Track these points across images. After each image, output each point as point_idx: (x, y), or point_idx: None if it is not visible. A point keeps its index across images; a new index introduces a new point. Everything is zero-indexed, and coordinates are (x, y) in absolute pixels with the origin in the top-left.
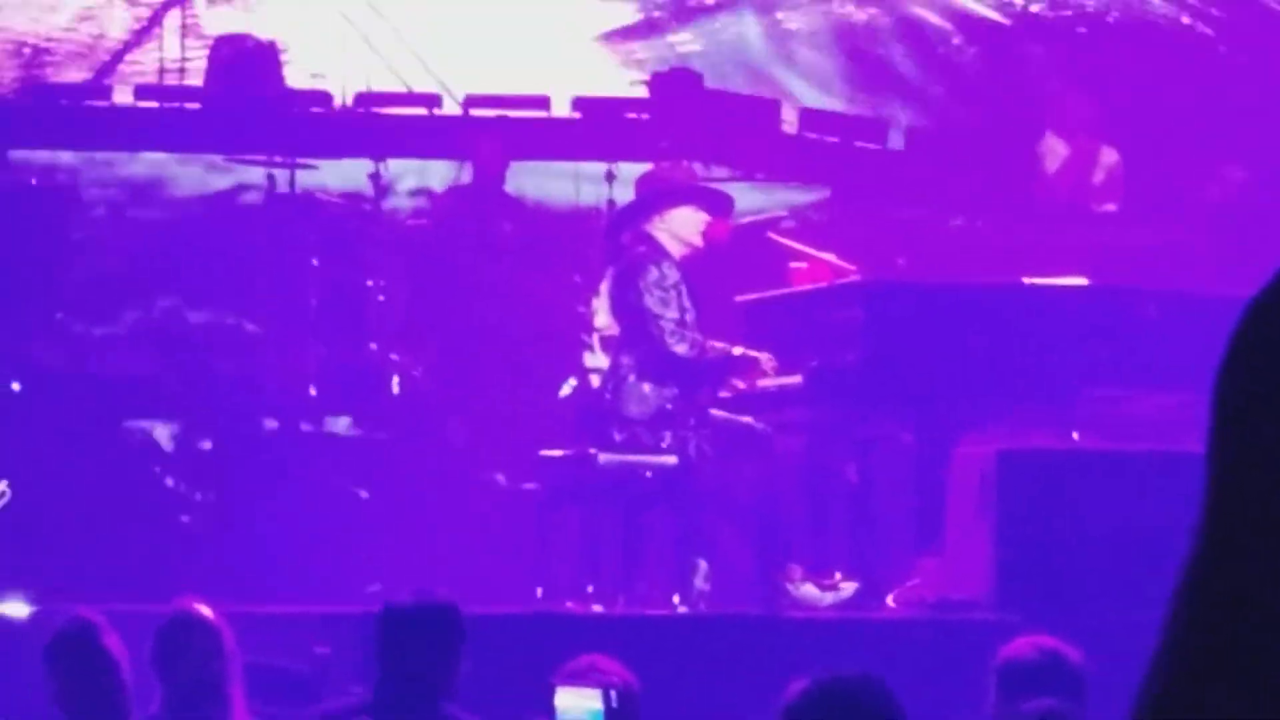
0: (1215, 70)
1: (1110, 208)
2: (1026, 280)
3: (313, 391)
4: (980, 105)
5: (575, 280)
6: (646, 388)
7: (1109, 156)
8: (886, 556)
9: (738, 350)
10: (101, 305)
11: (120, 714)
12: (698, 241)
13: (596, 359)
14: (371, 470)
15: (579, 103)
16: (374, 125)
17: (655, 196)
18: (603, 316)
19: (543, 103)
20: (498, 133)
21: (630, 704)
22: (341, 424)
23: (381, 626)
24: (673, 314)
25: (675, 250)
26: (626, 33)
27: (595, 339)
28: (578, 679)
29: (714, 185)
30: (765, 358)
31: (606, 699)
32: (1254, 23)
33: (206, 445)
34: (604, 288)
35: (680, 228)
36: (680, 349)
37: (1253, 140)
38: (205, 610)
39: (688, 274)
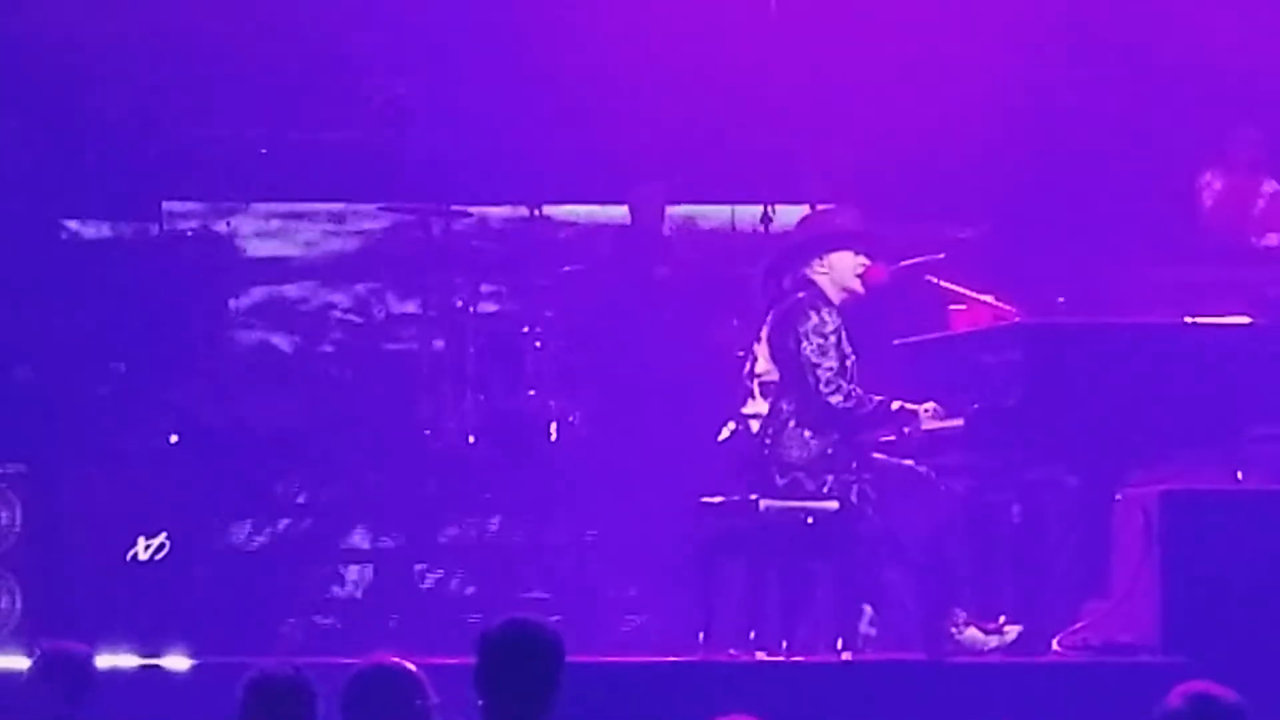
0: None
1: (1272, 239)
2: (1188, 319)
3: (471, 440)
4: (1139, 140)
5: (734, 324)
6: (806, 434)
7: (1269, 186)
8: (1051, 600)
9: (896, 404)
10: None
11: None
12: (857, 286)
13: (757, 405)
14: (530, 517)
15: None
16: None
17: (815, 240)
18: (763, 362)
19: None
20: (656, 176)
21: None
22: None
23: (480, 655)
24: (831, 362)
25: (834, 295)
26: None
27: (755, 385)
28: None
29: (873, 228)
30: (925, 409)
31: None
32: None
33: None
34: (764, 333)
35: (840, 272)
36: (836, 400)
37: None
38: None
39: (848, 319)
